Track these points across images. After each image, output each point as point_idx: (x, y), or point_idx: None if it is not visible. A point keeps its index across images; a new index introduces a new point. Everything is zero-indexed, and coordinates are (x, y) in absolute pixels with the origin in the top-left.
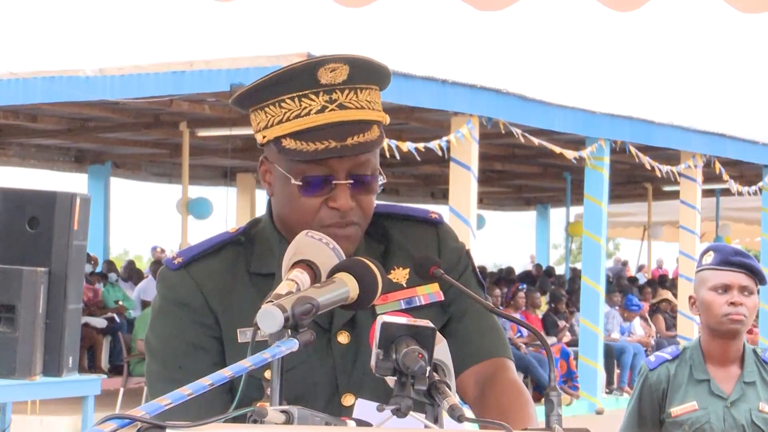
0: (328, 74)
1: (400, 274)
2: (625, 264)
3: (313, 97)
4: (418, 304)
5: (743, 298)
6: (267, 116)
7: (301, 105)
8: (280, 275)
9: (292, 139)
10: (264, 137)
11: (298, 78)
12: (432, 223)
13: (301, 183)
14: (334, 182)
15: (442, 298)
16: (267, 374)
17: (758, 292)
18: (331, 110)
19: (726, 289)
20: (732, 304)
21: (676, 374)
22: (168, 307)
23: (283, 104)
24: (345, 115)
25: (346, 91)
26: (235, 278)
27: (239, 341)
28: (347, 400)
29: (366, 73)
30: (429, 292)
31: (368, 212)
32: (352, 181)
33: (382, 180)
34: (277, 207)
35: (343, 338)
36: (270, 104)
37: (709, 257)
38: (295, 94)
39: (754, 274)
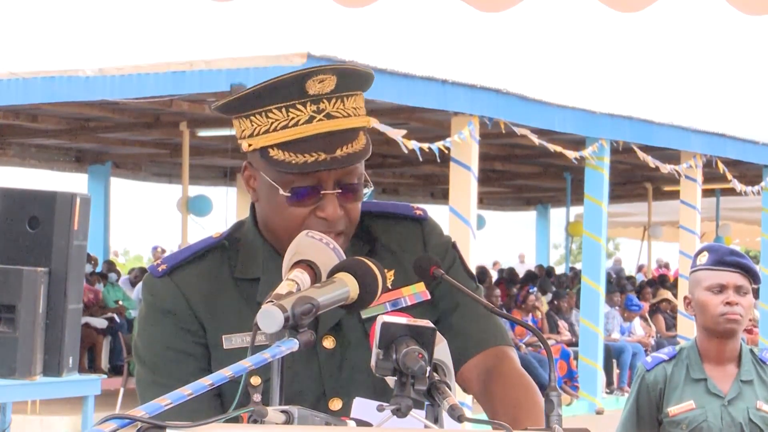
0: (316, 85)
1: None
2: (660, 264)
3: (300, 107)
4: (404, 305)
5: (739, 298)
6: (252, 125)
7: (288, 115)
8: (265, 280)
9: (280, 150)
10: (249, 145)
11: (286, 89)
12: (416, 219)
13: (289, 194)
14: (322, 192)
15: (429, 297)
16: (253, 380)
17: (757, 291)
18: (318, 120)
19: (722, 289)
20: (728, 303)
21: (673, 374)
22: (153, 314)
23: (269, 114)
24: (333, 124)
25: (333, 100)
26: (220, 284)
27: (224, 347)
28: (334, 404)
29: (352, 81)
30: (414, 292)
31: (354, 219)
32: (339, 191)
33: (368, 189)
34: (262, 213)
35: (329, 343)
36: (256, 113)
37: (704, 257)
38: (282, 105)
39: (749, 273)
